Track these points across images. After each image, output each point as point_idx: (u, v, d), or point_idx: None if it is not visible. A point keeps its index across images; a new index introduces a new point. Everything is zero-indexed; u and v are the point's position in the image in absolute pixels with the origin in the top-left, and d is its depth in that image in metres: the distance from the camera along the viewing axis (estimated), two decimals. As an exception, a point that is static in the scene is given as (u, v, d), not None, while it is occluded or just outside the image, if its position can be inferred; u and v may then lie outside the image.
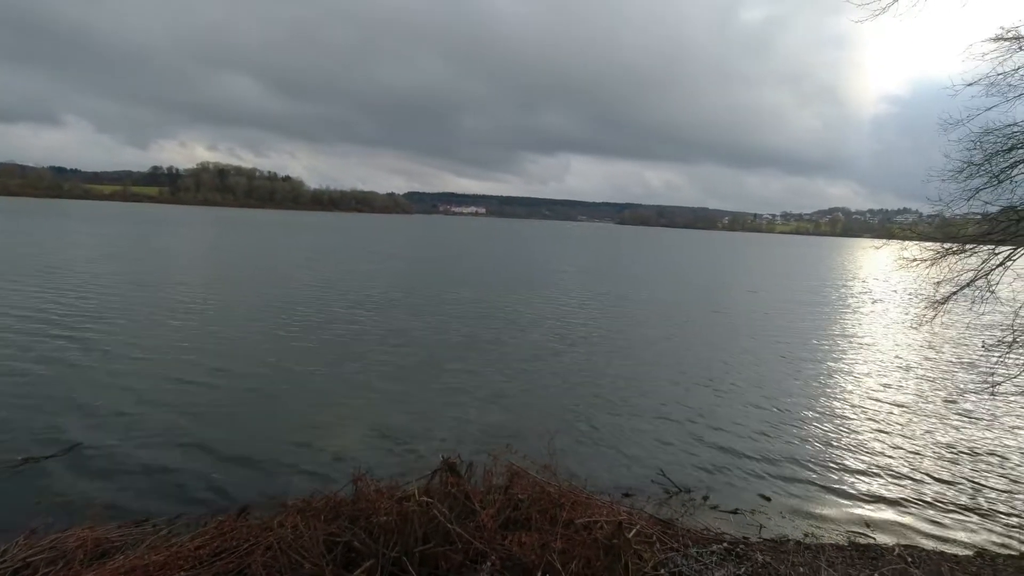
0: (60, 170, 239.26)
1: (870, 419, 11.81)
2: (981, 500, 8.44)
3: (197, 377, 12.00)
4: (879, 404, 12.87)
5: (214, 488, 7.55)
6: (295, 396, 11.27)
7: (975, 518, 7.91)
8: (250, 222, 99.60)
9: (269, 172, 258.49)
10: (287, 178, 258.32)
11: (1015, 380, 8.93)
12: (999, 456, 10.07)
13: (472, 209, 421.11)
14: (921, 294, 9.92)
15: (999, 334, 8.45)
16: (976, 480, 9.08)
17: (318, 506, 6.02)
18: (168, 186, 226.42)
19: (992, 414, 12.20)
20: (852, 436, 10.81)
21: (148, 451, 8.48)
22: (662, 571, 5.43)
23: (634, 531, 5.57)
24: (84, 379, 11.52)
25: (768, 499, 8.14)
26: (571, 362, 15.15)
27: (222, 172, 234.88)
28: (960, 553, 6.91)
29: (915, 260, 9.62)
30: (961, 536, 7.42)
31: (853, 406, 12.67)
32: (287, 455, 8.56)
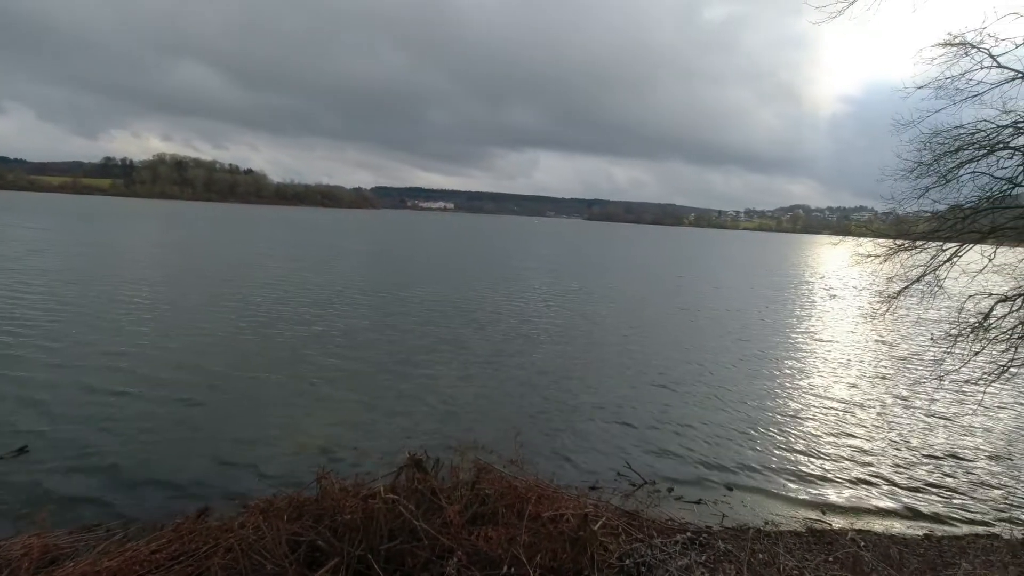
0: (1, 159, 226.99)
1: (826, 410, 12.23)
2: (929, 484, 8.84)
3: (153, 377, 11.57)
4: (835, 395, 13.34)
5: (172, 491, 7.30)
6: (255, 396, 10.97)
7: (923, 501, 8.28)
8: (209, 216, 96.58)
9: (230, 165, 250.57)
10: (249, 171, 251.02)
11: (961, 370, 9.35)
12: (946, 443, 10.57)
13: (440, 204, 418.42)
14: (875, 289, 10.31)
15: (946, 327, 8.83)
16: (925, 466, 9.51)
17: (281, 506, 5.89)
18: (122, 178, 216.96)
19: (939, 403, 12.81)
20: (810, 426, 11.18)
21: (101, 454, 8.15)
22: (627, 561, 5.51)
23: (600, 523, 5.63)
24: (31, 379, 10.97)
25: (730, 489, 8.34)
26: (537, 358, 15.17)
27: (180, 164, 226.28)
28: (909, 535, 7.24)
29: (869, 256, 9.99)
30: (909, 519, 7.76)
31: (810, 397, 13.10)
32: (249, 455, 8.34)
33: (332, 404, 10.76)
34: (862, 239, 11.21)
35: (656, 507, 7.17)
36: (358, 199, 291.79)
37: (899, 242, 9.38)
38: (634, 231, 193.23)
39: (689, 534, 6.41)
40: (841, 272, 48.84)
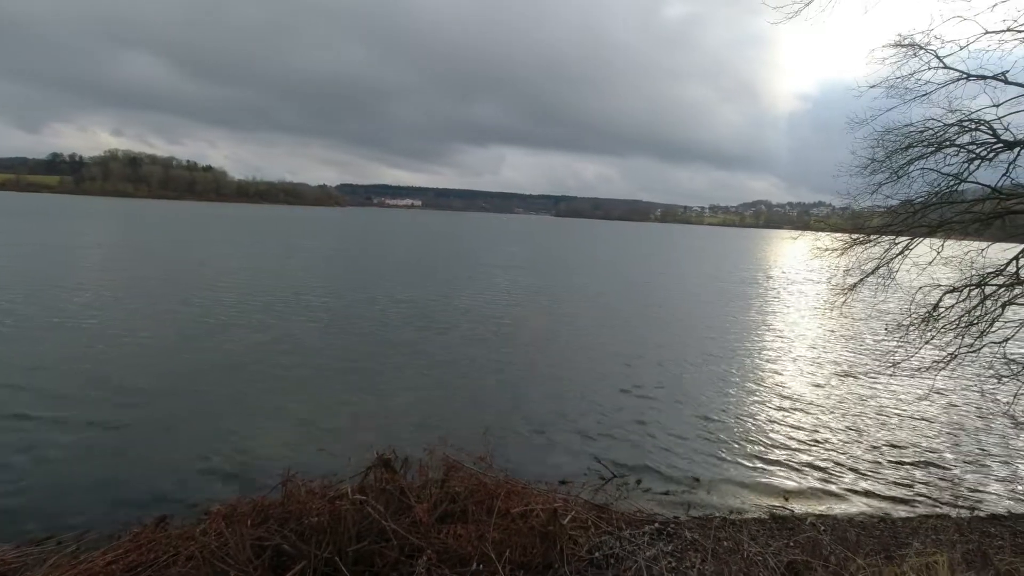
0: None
1: (787, 400, 12.61)
2: (884, 469, 9.20)
3: (106, 380, 11.11)
4: (794, 386, 13.76)
5: (129, 499, 7.00)
6: (214, 401, 10.59)
7: (879, 486, 8.61)
8: (165, 215, 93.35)
9: (188, 161, 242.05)
10: (208, 168, 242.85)
11: (912, 359, 9.77)
12: (899, 429, 11.01)
13: (408, 201, 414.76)
14: (833, 282, 10.67)
15: (899, 318, 9.20)
16: (880, 451, 9.90)
17: (245, 510, 5.73)
18: (71, 175, 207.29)
19: (893, 391, 13.36)
20: (772, 416, 11.50)
21: (51, 462, 7.78)
22: (596, 554, 5.56)
23: (569, 517, 5.67)
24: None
25: (697, 479, 8.51)
26: (504, 356, 15.11)
27: (134, 160, 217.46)
28: (865, 518, 7.52)
29: (827, 250, 10.33)
30: (866, 503, 8.06)
31: (772, 388, 13.48)
32: (210, 462, 8.08)
33: (296, 407, 10.49)
34: (820, 233, 11.58)
35: (625, 499, 7.27)
36: (323, 196, 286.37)
37: (854, 236, 9.72)
38: (602, 227, 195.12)
39: (657, 525, 6.52)
40: (801, 266, 50.44)
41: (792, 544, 5.93)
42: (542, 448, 9.29)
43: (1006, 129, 8.08)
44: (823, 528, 6.62)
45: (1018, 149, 8.09)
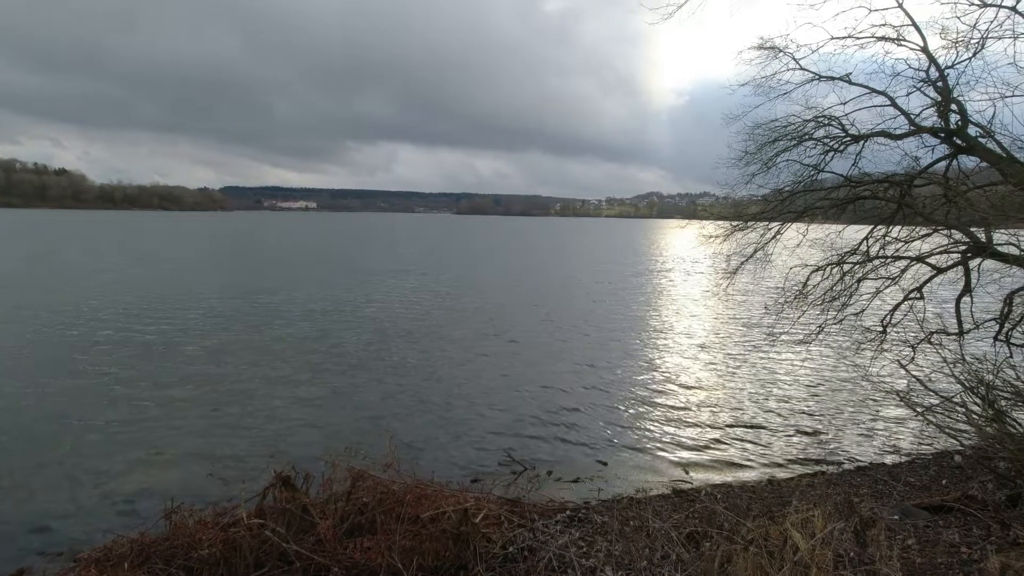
0: None
1: (682, 379, 13.45)
2: (768, 435, 10.06)
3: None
4: (687, 366, 14.73)
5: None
6: (81, 430, 9.41)
7: (767, 451, 9.39)
8: (7, 225, 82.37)
9: (36, 164, 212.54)
10: (62, 171, 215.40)
11: (788, 333, 10.75)
12: (782, 398, 12.09)
13: (301, 203, 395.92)
14: (717, 266, 11.48)
15: (776, 296, 10.08)
16: (766, 419, 10.80)
17: (122, 551, 5.17)
18: None
19: (774, 363, 14.67)
20: (669, 396, 12.20)
21: None
22: (510, 549, 5.57)
23: (482, 515, 5.64)
24: None
25: (605, 464, 8.82)
26: (402, 359, 14.66)
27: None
28: (755, 483, 8.17)
29: (712, 237, 11.11)
30: (755, 469, 8.76)
31: (667, 370, 14.32)
32: (78, 501, 7.17)
33: (177, 431, 9.53)
34: (705, 222, 12.44)
35: (537, 491, 7.36)
36: (204, 200, 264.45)
37: (734, 223, 10.52)
38: (504, 223, 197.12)
39: (568, 512, 6.67)
40: (688, 252, 54.00)
41: (692, 515, 6.30)
42: (451, 448, 9.20)
43: (852, 124, 9.10)
44: (719, 496, 7.10)
45: (863, 142, 9.14)
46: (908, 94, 8.57)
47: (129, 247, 51.15)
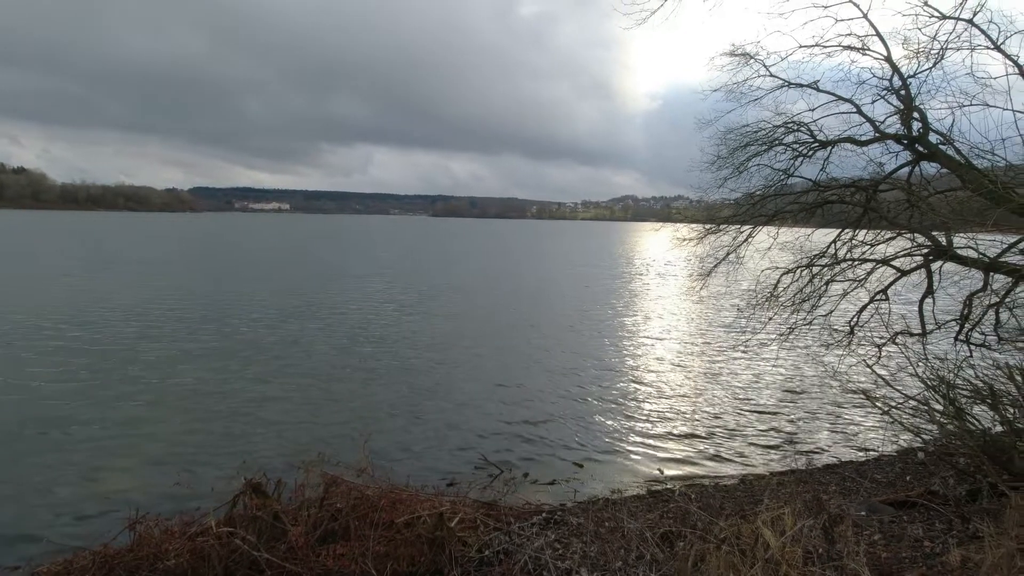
0: None
1: (656, 381, 13.60)
2: (741, 434, 10.22)
3: None
4: (662, 368, 14.91)
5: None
6: (34, 441, 9.02)
7: (737, 450, 9.54)
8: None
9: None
10: (21, 169, 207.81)
11: (760, 334, 10.96)
12: (754, 398, 12.31)
13: (274, 205, 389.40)
14: (691, 269, 11.64)
15: (747, 298, 10.26)
16: (739, 419, 10.98)
17: (83, 565, 5.00)
18: None
19: (746, 364, 14.93)
20: (644, 398, 12.31)
21: None
22: (486, 552, 5.55)
23: (457, 519, 5.60)
24: None
25: (581, 466, 8.84)
26: (376, 364, 14.42)
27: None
28: (728, 483, 8.30)
29: (685, 240, 11.28)
30: (729, 469, 8.89)
31: (643, 372, 14.47)
32: (35, 513, 6.87)
33: (142, 438, 9.21)
34: (679, 225, 12.62)
35: (513, 494, 7.33)
36: (172, 201, 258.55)
37: (707, 226, 10.70)
38: (480, 225, 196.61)
39: (544, 514, 6.66)
40: (662, 255, 54.62)
41: (666, 515, 6.35)
42: (427, 453, 9.11)
43: (820, 130, 9.34)
44: (692, 496, 7.17)
45: (830, 148, 9.38)
46: (873, 102, 8.83)
47: (91, 248, 49.57)
